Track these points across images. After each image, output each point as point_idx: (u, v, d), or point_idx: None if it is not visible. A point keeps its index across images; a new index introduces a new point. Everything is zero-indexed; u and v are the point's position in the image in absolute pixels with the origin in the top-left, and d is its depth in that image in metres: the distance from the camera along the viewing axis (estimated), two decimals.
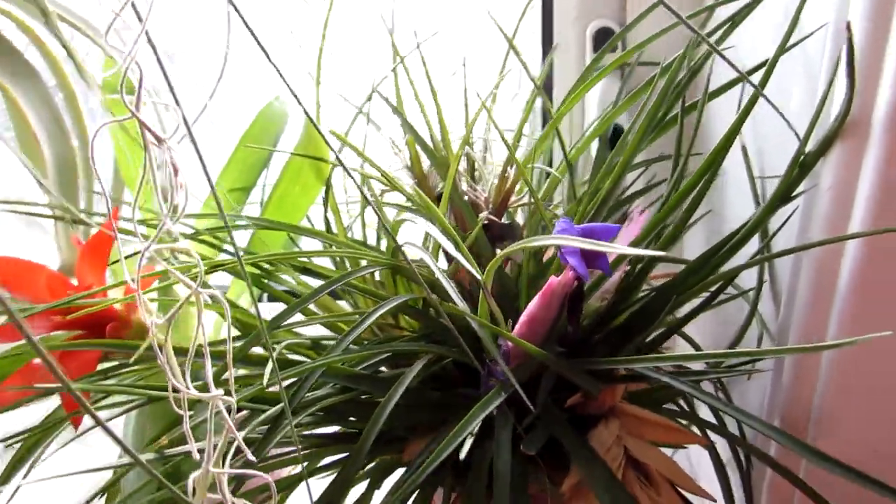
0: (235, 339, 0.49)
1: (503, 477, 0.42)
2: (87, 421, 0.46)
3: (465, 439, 0.46)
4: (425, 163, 0.57)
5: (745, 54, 0.51)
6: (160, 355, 0.27)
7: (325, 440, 0.47)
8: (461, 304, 0.36)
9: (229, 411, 0.29)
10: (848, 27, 0.32)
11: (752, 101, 0.39)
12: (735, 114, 0.46)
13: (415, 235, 0.66)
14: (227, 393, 0.28)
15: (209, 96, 0.37)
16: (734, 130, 0.40)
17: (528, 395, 0.43)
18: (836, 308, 0.39)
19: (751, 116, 0.40)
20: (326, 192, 0.53)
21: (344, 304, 0.59)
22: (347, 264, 0.55)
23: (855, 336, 0.38)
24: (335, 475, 0.43)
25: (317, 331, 0.54)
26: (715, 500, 0.51)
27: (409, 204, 0.56)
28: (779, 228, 0.44)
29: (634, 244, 0.44)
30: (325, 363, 0.40)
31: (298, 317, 0.48)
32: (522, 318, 0.40)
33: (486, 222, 0.53)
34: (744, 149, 0.49)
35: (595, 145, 0.58)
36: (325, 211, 0.54)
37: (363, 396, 0.48)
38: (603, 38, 0.67)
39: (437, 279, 0.46)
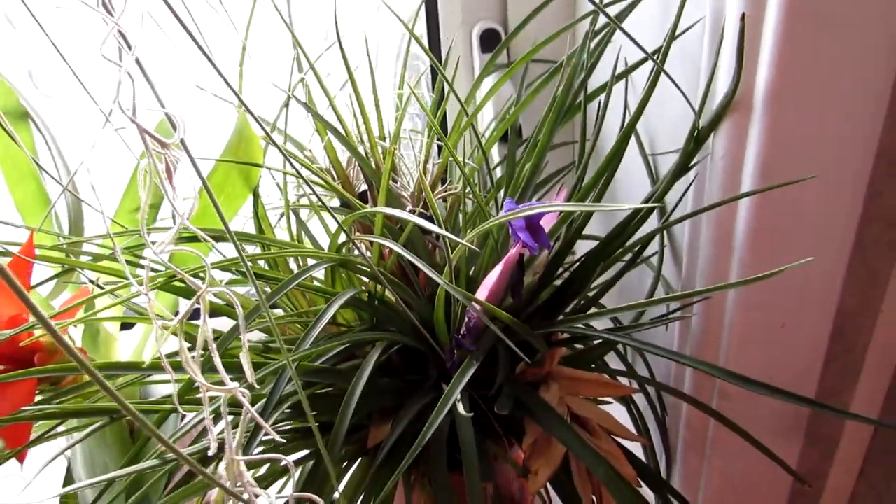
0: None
1: (469, 444, 0.44)
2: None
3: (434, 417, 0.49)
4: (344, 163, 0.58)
5: (626, 52, 0.57)
6: (184, 352, 0.27)
7: (297, 434, 0.47)
8: (434, 276, 0.38)
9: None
10: (742, 17, 0.38)
11: (655, 79, 0.44)
12: (622, 107, 0.52)
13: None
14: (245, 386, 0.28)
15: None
16: (641, 107, 0.45)
17: (482, 367, 0.46)
18: (736, 258, 0.45)
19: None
20: (255, 198, 0.53)
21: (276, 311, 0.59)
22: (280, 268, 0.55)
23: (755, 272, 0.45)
24: (311, 467, 0.44)
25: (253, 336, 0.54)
26: (647, 443, 0.56)
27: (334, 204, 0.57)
28: (681, 197, 0.50)
29: (562, 220, 0.48)
30: (299, 356, 0.41)
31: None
32: (482, 291, 0.43)
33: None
34: (636, 133, 0.55)
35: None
36: (256, 216, 0.53)
37: (324, 390, 0.48)
38: (488, 39, 0.72)
39: (378, 272, 0.48)
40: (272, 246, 0.50)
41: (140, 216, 0.27)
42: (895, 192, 0.43)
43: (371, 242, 0.54)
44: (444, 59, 0.69)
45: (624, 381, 0.55)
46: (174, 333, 0.28)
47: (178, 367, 0.43)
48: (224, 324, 0.51)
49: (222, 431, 0.29)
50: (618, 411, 0.61)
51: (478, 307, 0.42)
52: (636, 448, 0.53)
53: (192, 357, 0.29)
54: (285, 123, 0.55)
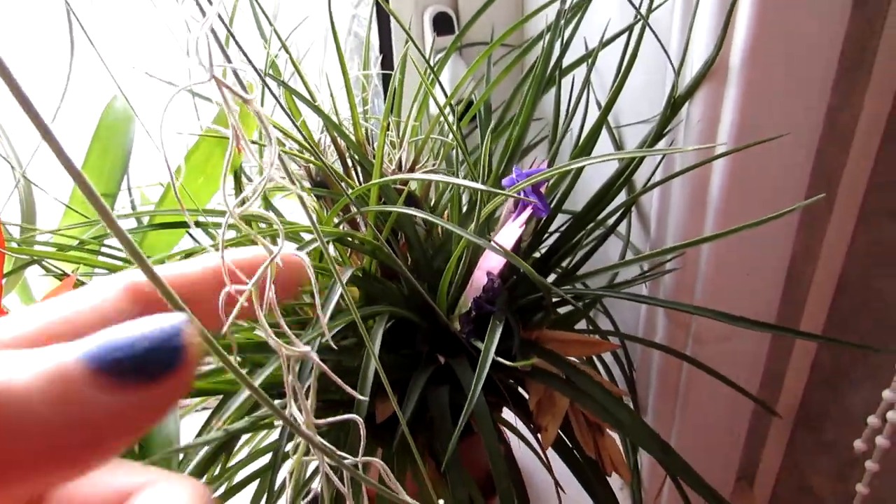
0: None
1: (483, 408, 0.45)
2: None
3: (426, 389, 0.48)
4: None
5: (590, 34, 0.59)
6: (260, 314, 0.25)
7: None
8: (459, 231, 0.38)
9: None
10: None
11: (640, 38, 0.46)
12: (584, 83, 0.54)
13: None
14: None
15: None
16: (628, 68, 0.47)
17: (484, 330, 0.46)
18: (710, 215, 0.48)
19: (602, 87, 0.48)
20: (237, 180, 0.50)
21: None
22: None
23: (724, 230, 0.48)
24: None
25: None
26: (628, 395, 0.59)
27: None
28: (658, 164, 0.52)
29: (550, 187, 0.49)
30: (314, 336, 0.39)
31: None
32: (493, 256, 0.43)
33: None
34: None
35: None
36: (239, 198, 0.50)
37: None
38: (440, 21, 0.72)
39: (381, 247, 0.47)
40: (254, 222, 0.48)
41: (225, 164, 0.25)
42: (833, 153, 0.47)
43: (364, 220, 0.53)
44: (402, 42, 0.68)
45: None
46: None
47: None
48: None
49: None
50: None
51: (494, 268, 0.42)
52: None
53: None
54: (261, 101, 0.52)
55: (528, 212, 0.41)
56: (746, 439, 0.61)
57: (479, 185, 0.35)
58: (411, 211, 0.40)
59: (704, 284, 0.51)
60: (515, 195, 0.38)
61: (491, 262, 0.43)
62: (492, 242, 0.42)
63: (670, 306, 0.47)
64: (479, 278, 0.44)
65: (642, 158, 0.49)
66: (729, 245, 0.49)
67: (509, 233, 0.41)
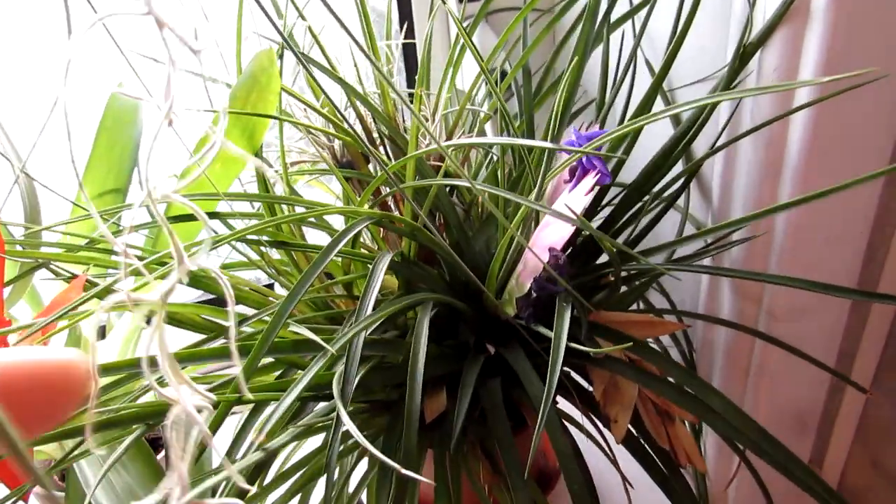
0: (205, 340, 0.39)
1: (546, 401, 0.39)
2: None
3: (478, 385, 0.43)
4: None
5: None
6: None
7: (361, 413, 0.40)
8: (527, 203, 0.32)
9: None
10: None
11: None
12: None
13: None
14: None
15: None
16: (690, 16, 0.41)
17: (544, 313, 0.41)
18: (786, 180, 0.43)
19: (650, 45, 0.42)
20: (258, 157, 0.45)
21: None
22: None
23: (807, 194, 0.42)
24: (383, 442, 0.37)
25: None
26: (689, 326, 0.53)
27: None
28: (727, 121, 0.46)
29: (610, 149, 0.44)
30: (361, 328, 0.34)
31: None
32: (556, 225, 0.37)
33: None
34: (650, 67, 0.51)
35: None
36: (262, 181, 0.45)
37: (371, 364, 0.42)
38: None
39: (421, 228, 0.41)
40: (290, 203, 0.43)
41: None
42: None
43: (400, 200, 0.48)
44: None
45: None
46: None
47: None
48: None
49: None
50: None
51: (556, 243, 0.36)
52: None
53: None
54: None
55: (592, 178, 0.36)
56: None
57: (544, 143, 0.29)
58: (456, 182, 0.34)
59: (780, 255, 0.45)
60: (584, 152, 0.32)
61: (551, 238, 0.37)
62: (562, 208, 0.36)
63: (747, 276, 0.42)
64: (533, 258, 0.39)
65: (705, 120, 0.43)
66: (809, 211, 0.43)
67: (575, 201, 0.36)
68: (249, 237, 0.40)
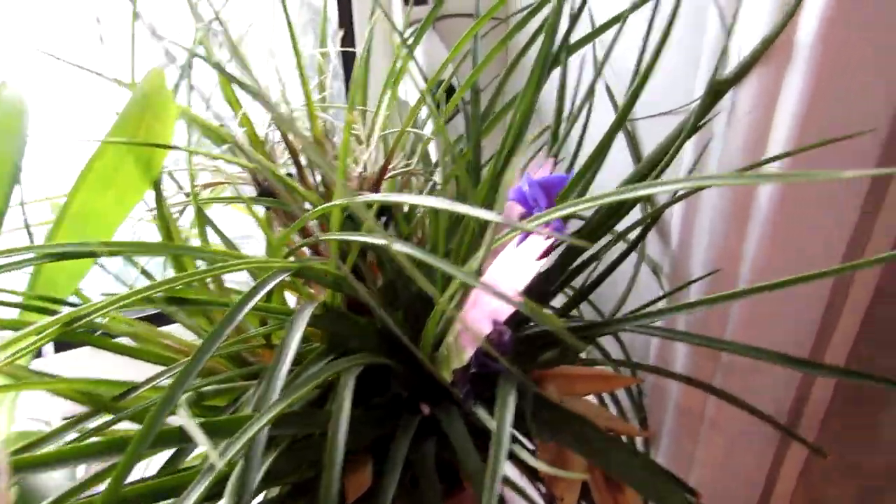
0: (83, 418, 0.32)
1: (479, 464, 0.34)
2: None
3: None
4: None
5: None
6: None
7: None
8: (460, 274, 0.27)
9: None
10: None
11: (676, 6, 0.35)
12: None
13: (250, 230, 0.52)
14: None
15: None
16: (653, 61, 0.36)
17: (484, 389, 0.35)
18: (755, 229, 0.38)
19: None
20: (158, 193, 0.38)
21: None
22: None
23: (774, 256, 0.38)
24: None
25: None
26: (650, 435, 0.49)
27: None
28: (695, 162, 0.41)
29: (561, 196, 0.38)
30: (262, 426, 0.28)
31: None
32: (510, 288, 0.32)
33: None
34: (612, 94, 0.46)
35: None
36: (161, 215, 0.38)
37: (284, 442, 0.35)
38: None
39: (344, 279, 0.35)
40: (193, 256, 0.36)
41: None
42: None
43: (323, 243, 0.41)
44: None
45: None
46: None
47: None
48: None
49: None
50: None
51: (500, 313, 0.31)
52: None
53: None
54: (188, 94, 0.39)
55: (542, 240, 0.30)
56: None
57: (487, 213, 0.24)
58: (382, 241, 0.28)
59: (741, 312, 0.41)
60: (530, 227, 0.27)
61: (495, 305, 0.32)
62: (506, 274, 0.31)
63: (706, 344, 0.37)
64: (477, 319, 0.33)
65: (670, 160, 0.38)
66: (773, 265, 0.39)
67: (520, 267, 0.30)
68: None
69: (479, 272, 0.30)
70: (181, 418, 0.29)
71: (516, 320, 0.42)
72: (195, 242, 0.43)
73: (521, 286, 0.29)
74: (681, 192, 0.40)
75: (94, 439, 0.31)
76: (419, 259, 0.28)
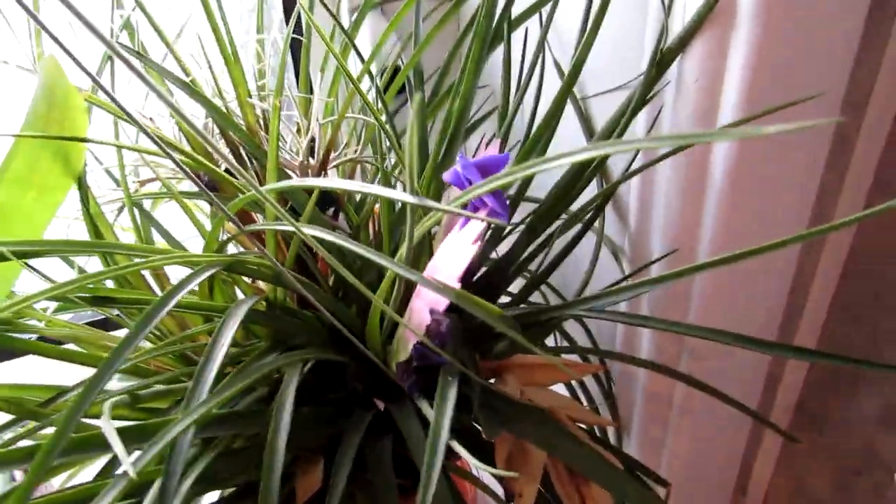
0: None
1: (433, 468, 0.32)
2: None
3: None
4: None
5: None
6: None
7: None
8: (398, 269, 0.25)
9: None
10: None
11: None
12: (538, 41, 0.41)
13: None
14: None
15: None
16: (593, 33, 0.34)
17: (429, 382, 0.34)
18: (709, 200, 0.37)
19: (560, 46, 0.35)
20: (82, 189, 0.36)
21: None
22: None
23: (732, 232, 0.37)
24: None
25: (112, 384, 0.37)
26: (618, 424, 0.48)
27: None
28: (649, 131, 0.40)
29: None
30: (182, 429, 0.26)
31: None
32: (447, 277, 0.30)
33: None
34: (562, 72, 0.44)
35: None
36: (87, 213, 0.36)
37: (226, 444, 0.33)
38: None
39: (281, 273, 0.33)
40: (120, 253, 0.34)
41: None
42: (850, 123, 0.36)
43: (260, 235, 0.40)
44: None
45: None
46: None
47: None
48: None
49: None
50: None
51: (439, 302, 0.29)
52: None
53: None
54: (111, 84, 0.37)
55: (480, 223, 0.29)
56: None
57: (408, 197, 0.22)
58: (317, 233, 0.26)
59: (703, 291, 0.39)
60: (458, 209, 0.25)
61: (432, 296, 0.30)
62: (433, 276, 0.29)
63: (663, 328, 0.36)
64: (419, 311, 0.31)
65: (620, 134, 0.37)
66: (732, 244, 0.37)
67: (458, 253, 0.29)
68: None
69: (414, 261, 0.28)
70: (103, 422, 0.27)
71: (473, 289, 0.40)
72: (132, 240, 0.41)
73: (458, 273, 0.28)
74: (636, 167, 0.38)
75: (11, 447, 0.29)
76: (362, 251, 0.26)
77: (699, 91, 0.34)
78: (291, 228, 0.27)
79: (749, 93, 0.33)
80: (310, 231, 0.26)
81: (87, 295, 0.33)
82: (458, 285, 0.27)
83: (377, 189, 0.23)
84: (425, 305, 0.30)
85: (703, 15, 0.32)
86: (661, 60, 0.35)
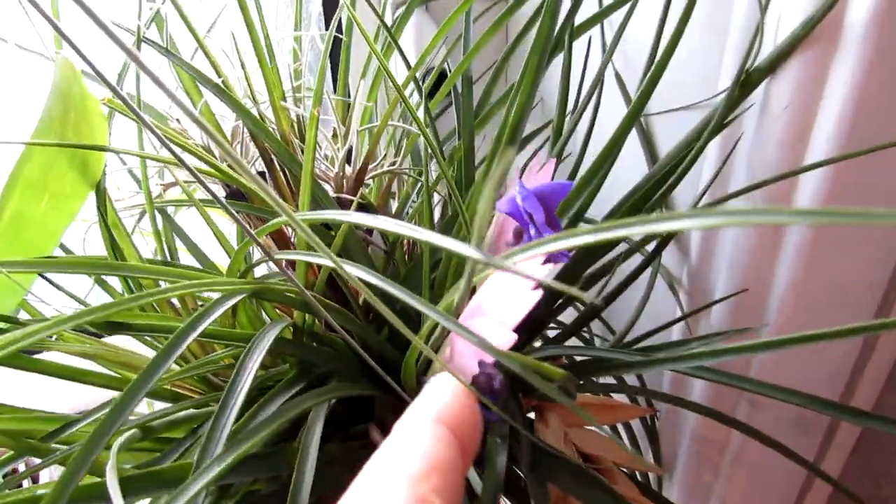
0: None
1: None
2: None
3: None
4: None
5: None
6: None
7: None
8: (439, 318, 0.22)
9: None
10: None
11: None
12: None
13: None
14: None
15: None
16: (672, 47, 0.30)
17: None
18: (789, 245, 0.33)
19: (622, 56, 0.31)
20: (100, 197, 0.33)
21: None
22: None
23: (808, 276, 0.33)
24: None
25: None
26: (665, 472, 0.44)
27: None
28: (718, 169, 0.36)
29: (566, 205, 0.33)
30: (217, 475, 0.23)
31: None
32: (501, 323, 0.27)
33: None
34: (624, 86, 0.41)
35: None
36: (104, 223, 0.33)
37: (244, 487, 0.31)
38: None
39: (308, 300, 0.30)
40: (140, 277, 0.31)
41: None
42: None
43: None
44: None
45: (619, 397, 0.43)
46: None
47: None
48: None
49: None
50: None
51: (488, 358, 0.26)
52: None
53: None
54: (136, 85, 0.34)
55: (542, 262, 0.25)
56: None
57: (465, 249, 0.19)
58: (361, 274, 0.23)
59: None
60: (511, 267, 0.22)
61: (500, 330, 0.27)
62: (478, 316, 0.26)
63: (728, 382, 0.32)
64: (463, 355, 0.28)
65: (690, 163, 0.33)
66: (808, 290, 0.33)
67: (514, 296, 0.25)
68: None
69: (458, 306, 0.25)
70: (108, 476, 0.24)
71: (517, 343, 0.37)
72: (153, 246, 0.38)
73: (513, 323, 0.24)
74: (704, 203, 0.34)
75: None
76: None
77: (789, 118, 0.30)
78: (328, 262, 0.24)
79: (849, 125, 0.29)
80: (352, 270, 0.22)
81: (102, 322, 0.30)
82: (513, 337, 0.24)
83: (434, 237, 0.20)
84: (472, 353, 0.27)
85: (801, 37, 0.28)
86: (747, 81, 0.31)
